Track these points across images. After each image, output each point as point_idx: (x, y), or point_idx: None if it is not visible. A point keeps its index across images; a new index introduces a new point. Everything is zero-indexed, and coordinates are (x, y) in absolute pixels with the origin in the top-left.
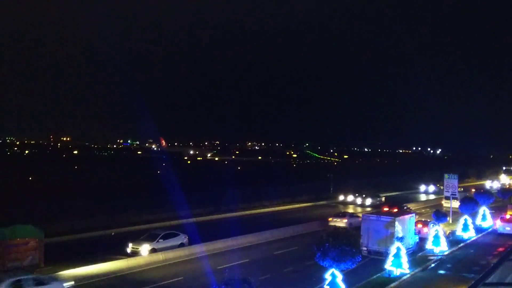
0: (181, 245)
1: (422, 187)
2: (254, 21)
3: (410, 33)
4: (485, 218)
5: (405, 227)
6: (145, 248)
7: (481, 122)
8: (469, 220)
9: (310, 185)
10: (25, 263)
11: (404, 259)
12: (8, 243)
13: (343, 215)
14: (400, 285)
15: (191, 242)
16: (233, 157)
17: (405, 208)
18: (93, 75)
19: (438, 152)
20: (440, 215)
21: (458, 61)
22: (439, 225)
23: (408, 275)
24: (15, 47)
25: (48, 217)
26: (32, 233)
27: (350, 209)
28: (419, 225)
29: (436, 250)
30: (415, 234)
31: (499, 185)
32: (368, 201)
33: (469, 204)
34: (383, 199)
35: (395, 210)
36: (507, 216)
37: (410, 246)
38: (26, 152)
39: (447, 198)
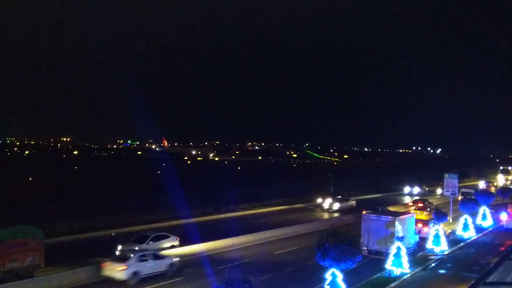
0: (172, 247)
1: (407, 189)
2: (254, 22)
3: (410, 33)
4: (485, 217)
5: (405, 226)
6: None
7: (481, 122)
8: (469, 220)
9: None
10: (25, 264)
11: (405, 258)
12: (8, 243)
13: None
14: (401, 285)
15: (191, 242)
16: (233, 157)
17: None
18: (93, 75)
19: (438, 151)
20: (440, 214)
21: (458, 60)
22: (439, 225)
23: (408, 275)
24: (15, 47)
25: (48, 218)
26: (32, 234)
27: (317, 213)
28: (419, 225)
29: (437, 249)
30: (415, 233)
31: (484, 186)
32: (336, 205)
33: (469, 203)
34: (353, 203)
35: (420, 204)
36: None
37: (411, 246)
38: (26, 152)
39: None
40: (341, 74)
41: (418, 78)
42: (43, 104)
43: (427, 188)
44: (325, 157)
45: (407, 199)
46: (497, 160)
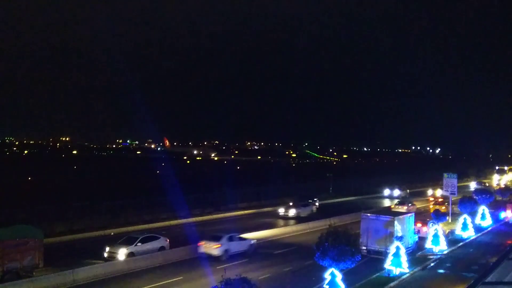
0: (162, 248)
1: (386, 191)
2: (254, 21)
3: (410, 32)
4: (485, 217)
5: (404, 226)
6: (122, 253)
7: (481, 122)
8: (469, 219)
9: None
10: (24, 263)
11: (404, 258)
12: (8, 243)
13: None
14: (400, 284)
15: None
16: (232, 156)
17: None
18: (92, 75)
19: (437, 151)
20: (439, 214)
21: (458, 60)
22: (438, 224)
23: (407, 274)
24: (15, 48)
25: (47, 217)
26: (31, 233)
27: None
28: (419, 225)
29: (436, 249)
30: (414, 233)
31: (476, 186)
32: (292, 211)
33: (468, 203)
34: (315, 208)
35: (441, 199)
36: None
37: (410, 246)
38: (26, 152)
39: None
40: (341, 73)
41: (418, 77)
42: (43, 104)
43: (408, 190)
44: (325, 157)
45: (387, 202)
46: (493, 160)
